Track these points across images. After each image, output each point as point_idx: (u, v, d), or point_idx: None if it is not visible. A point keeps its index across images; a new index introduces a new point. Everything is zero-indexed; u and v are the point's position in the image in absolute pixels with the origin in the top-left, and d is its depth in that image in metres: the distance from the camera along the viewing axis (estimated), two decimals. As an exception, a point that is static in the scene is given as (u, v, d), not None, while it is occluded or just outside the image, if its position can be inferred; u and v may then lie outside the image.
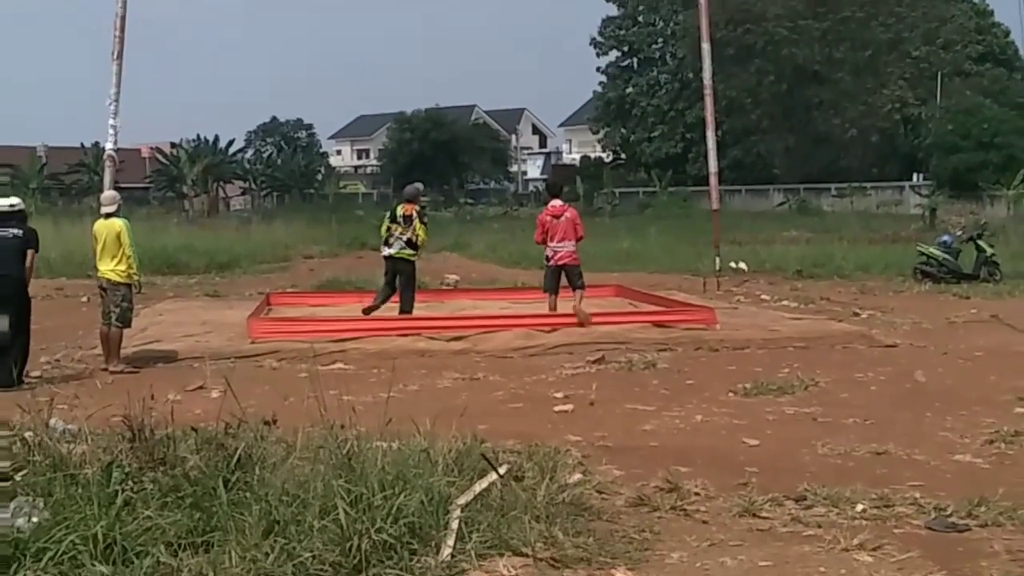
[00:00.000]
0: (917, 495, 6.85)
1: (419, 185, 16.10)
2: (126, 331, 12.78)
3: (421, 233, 15.04)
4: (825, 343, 14.08)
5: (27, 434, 6.17)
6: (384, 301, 15.33)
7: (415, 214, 15.08)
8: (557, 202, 15.71)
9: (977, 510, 6.48)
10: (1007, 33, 66.99)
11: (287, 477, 5.65)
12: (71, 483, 5.56)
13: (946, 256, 22.57)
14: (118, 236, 12.49)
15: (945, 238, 23.53)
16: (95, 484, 5.50)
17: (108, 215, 12.71)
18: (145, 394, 6.40)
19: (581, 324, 14.48)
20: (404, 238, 14.95)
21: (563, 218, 15.32)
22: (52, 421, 6.59)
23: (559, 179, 17.26)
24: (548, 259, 15.45)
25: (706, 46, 22.28)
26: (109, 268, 12.52)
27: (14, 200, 12.21)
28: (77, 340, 14.29)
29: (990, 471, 7.66)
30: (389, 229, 15.13)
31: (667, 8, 71.33)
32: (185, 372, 11.85)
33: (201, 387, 10.51)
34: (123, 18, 16.82)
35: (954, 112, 54.78)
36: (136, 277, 12.76)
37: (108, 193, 13.45)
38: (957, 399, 10.31)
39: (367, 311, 15.22)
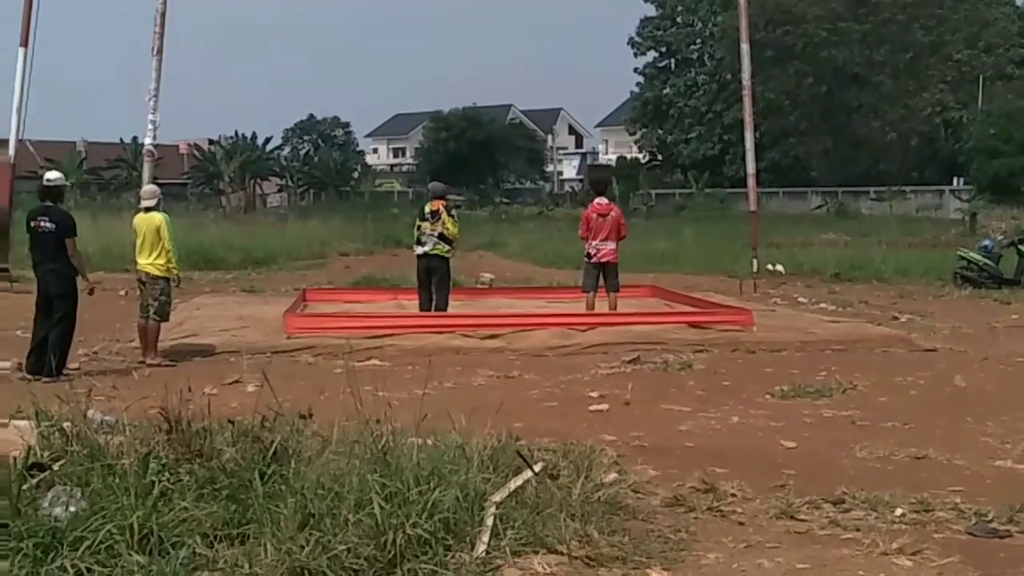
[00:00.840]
0: (957, 500, 6.77)
1: (439, 183, 16.18)
2: (164, 325, 12.86)
3: (450, 226, 15.03)
4: (863, 346, 13.95)
5: (65, 424, 6.20)
6: (429, 303, 15.31)
7: (442, 208, 15.10)
8: (603, 200, 15.65)
9: (1019, 516, 6.40)
10: (1050, 37, 66.28)
11: (323, 471, 5.65)
12: (108, 473, 5.59)
13: (987, 261, 22.34)
14: (157, 230, 12.56)
15: (986, 243, 23.30)
16: (132, 475, 5.51)
17: (148, 209, 12.78)
18: (182, 387, 6.42)
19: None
20: (435, 234, 14.97)
21: (609, 217, 15.26)
22: (90, 412, 6.61)
23: (605, 176, 17.27)
24: (589, 256, 15.39)
25: (745, 47, 22.17)
26: (148, 262, 12.60)
27: (51, 175, 12.28)
28: (115, 333, 14.39)
29: (1031, 477, 7.55)
30: (419, 227, 15.17)
31: (706, 9, 71.14)
32: (222, 366, 11.92)
33: (237, 381, 10.56)
34: (163, 14, 16.94)
35: (996, 116, 54.23)
36: (175, 271, 12.83)
37: (148, 187, 13.53)
38: (998, 404, 10.19)
39: None
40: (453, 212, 15.51)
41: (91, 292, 11.87)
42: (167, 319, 12.95)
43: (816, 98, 63.37)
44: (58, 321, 11.46)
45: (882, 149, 62.80)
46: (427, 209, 15.20)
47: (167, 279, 12.72)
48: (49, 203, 11.91)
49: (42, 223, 11.70)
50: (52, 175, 12.35)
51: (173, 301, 13.49)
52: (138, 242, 12.75)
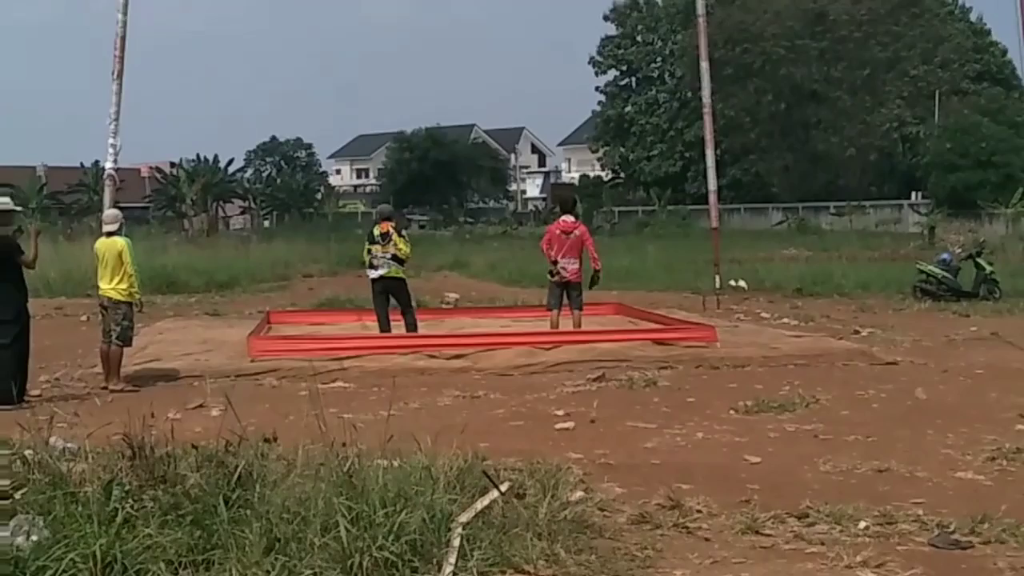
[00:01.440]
0: (920, 512, 6.84)
1: (387, 205, 16.20)
2: (126, 350, 12.76)
3: (402, 246, 15.01)
4: (826, 361, 14.05)
5: (27, 452, 6.16)
6: (388, 324, 15.28)
7: (391, 230, 15.08)
8: (569, 218, 15.68)
9: (980, 527, 6.47)
10: (1004, 52, 67.19)
11: (288, 494, 5.63)
12: (71, 501, 5.55)
13: (945, 274, 22.56)
14: (119, 255, 12.48)
15: (944, 256, 23.53)
16: (95, 502, 5.48)
17: (110, 234, 12.69)
18: (145, 412, 6.39)
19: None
20: (388, 255, 14.93)
21: (573, 235, 15.29)
22: (52, 439, 6.57)
23: (570, 195, 17.26)
24: (552, 275, 15.41)
25: (705, 65, 22.35)
26: (110, 287, 12.51)
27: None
28: (77, 359, 14.27)
29: (992, 488, 7.64)
30: (371, 251, 15.06)
31: (665, 28, 71.66)
32: (185, 390, 11.83)
33: (201, 405, 10.49)
34: (123, 38, 16.83)
35: (952, 131, 54.90)
36: (137, 296, 12.75)
37: (110, 212, 13.44)
38: (958, 416, 10.29)
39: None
40: (404, 232, 15.52)
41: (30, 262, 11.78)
42: (130, 344, 12.85)
43: (775, 115, 63.90)
44: (9, 346, 11.32)
45: (841, 164, 63.37)
46: (376, 232, 15.12)
47: (130, 304, 12.63)
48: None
49: None
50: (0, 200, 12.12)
51: (136, 326, 13.39)
52: (100, 267, 12.65)
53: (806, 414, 10.53)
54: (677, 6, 69.57)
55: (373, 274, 15.07)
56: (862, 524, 6.56)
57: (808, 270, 28.08)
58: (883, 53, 62.11)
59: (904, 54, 62.38)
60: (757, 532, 6.48)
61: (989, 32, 69.75)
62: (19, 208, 12.07)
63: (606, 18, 74.97)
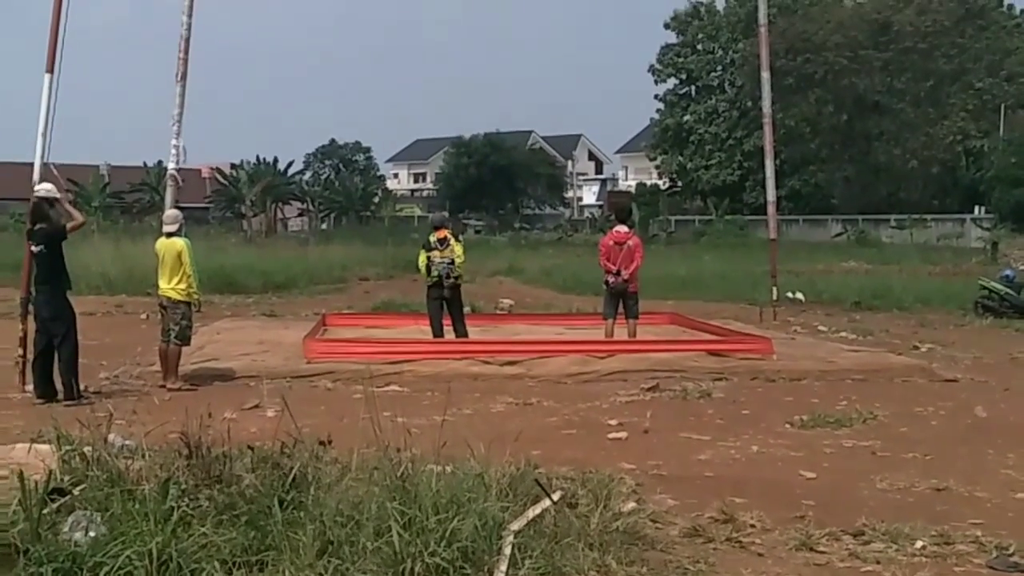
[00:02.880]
0: (978, 533, 6.73)
1: (444, 213, 16.21)
2: (184, 349, 12.90)
3: (459, 251, 15.07)
4: (884, 376, 13.89)
5: (86, 449, 6.23)
6: (443, 330, 15.31)
7: (449, 236, 15.12)
8: (623, 228, 15.64)
9: (1040, 550, 6.35)
10: (1072, 65, 66.08)
11: (341, 498, 5.66)
12: (128, 498, 5.61)
13: (1008, 290, 22.23)
14: (179, 255, 12.62)
15: (1007, 272, 23.19)
16: (152, 500, 5.53)
17: (170, 234, 12.83)
18: (202, 412, 6.44)
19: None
20: (447, 261, 14.96)
21: (625, 246, 15.25)
22: (111, 436, 6.64)
23: (626, 203, 17.16)
24: (607, 284, 15.40)
25: (766, 75, 22.18)
26: (169, 286, 12.65)
27: (39, 187, 12.06)
28: (136, 357, 14.47)
29: (1054, 510, 7.50)
30: (429, 258, 15.07)
31: (726, 36, 71.18)
32: (241, 391, 11.95)
33: (257, 406, 10.59)
34: (187, 40, 17.03)
35: (1017, 145, 54.10)
36: (196, 296, 12.88)
37: (170, 212, 13.58)
38: (1019, 436, 10.12)
39: None
40: (460, 238, 15.56)
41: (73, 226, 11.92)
42: (188, 343, 13.00)
43: (837, 126, 63.27)
44: (59, 345, 11.47)
45: (903, 177, 62.63)
46: (433, 239, 15.14)
47: (188, 304, 12.77)
48: (42, 224, 11.82)
49: (32, 248, 11.71)
50: (41, 187, 12.13)
51: (194, 325, 13.54)
52: (160, 267, 12.80)
53: (863, 430, 10.41)
54: (738, 15, 69.16)
55: (433, 280, 15.09)
56: (919, 544, 6.46)
57: (867, 283, 27.81)
58: (948, 65, 61.34)
59: (969, 66, 61.57)
60: (811, 549, 6.41)
61: (1057, 45, 68.70)
62: (58, 196, 12.15)
63: (667, 26, 74.69)
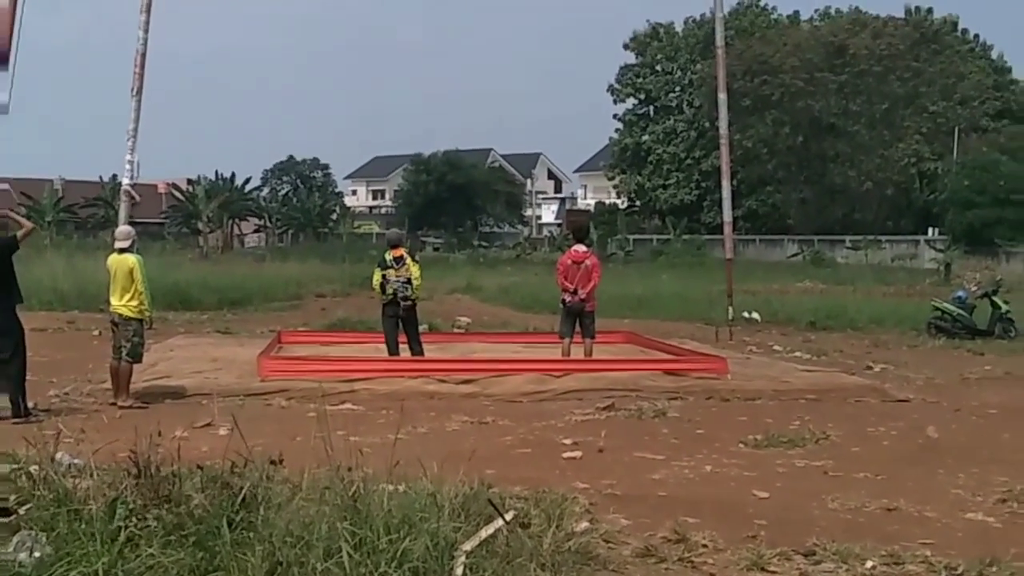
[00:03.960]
0: (928, 553, 6.78)
1: (399, 230, 16.16)
2: (136, 366, 12.76)
3: (415, 270, 15.03)
4: (837, 396, 13.98)
5: (32, 468, 6.14)
6: (398, 348, 15.29)
7: (404, 255, 15.09)
8: (581, 247, 15.67)
9: (988, 570, 6.41)
10: (1025, 90, 67.22)
11: (292, 518, 5.60)
12: (75, 518, 5.54)
13: (961, 311, 22.47)
14: (130, 272, 12.47)
15: (960, 293, 23.43)
16: (99, 520, 5.46)
17: (122, 250, 12.69)
18: (152, 430, 6.37)
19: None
20: (403, 280, 14.91)
21: (583, 265, 15.27)
22: (58, 455, 6.55)
23: (584, 222, 17.15)
24: (564, 302, 15.42)
25: (723, 96, 22.38)
26: (121, 303, 12.50)
27: None
28: (87, 374, 14.30)
29: (1002, 530, 7.58)
30: (384, 276, 15.02)
31: (685, 58, 71.81)
32: (194, 409, 11.83)
33: (209, 424, 10.48)
34: (143, 55, 16.96)
35: (970, 168, 54.84)
36: (148, 313, 12.74)
37: (123, 228, 13.45)
38: (969, 456, 10.21)
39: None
40: (416, 257, 15.55)
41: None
42: (140, 361, 12.85)
43: (793, 147, 63.89)
44: (7, 362, 11.32)
45: (858, 198, 63.31)
46: (389, 257, 15.10)
47: (140, 321, 12.63)
48: None
49: None
50: None
51: (147, 343, 13.40)
52: (111, 283, 12.66)
53: (816, 450, 10.47)
54: (697, 36, 69.84)
55: (388, 298, 15.04)
56: (869, 564, 6.50)
57: (822, 303, 28.02)
58: (902, 88, 62.12)
59: (923, 90, 62.38)
60: (763, 569, 6.43)
61: (1010, 70, 69.88)
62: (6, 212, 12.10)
63: (626, 47, 75.25)
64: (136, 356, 12.62)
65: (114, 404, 12.18)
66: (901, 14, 66.61)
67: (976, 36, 71.07)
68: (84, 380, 13.85)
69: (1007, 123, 64.18)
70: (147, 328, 12.97)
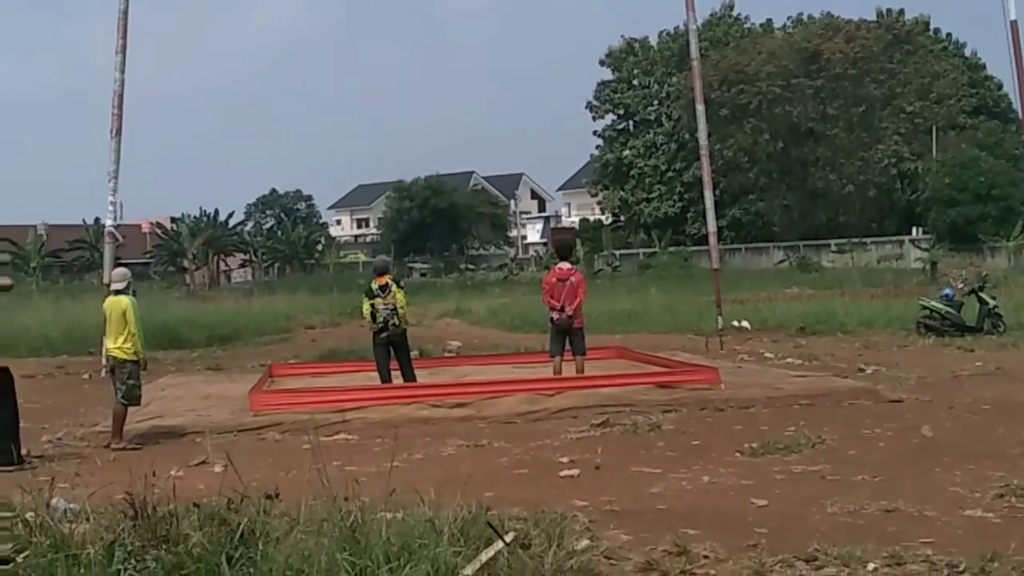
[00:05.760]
0: (929, 552, 6.78)
1: (385, 257, 16.16)
2: (131, 408, 12.70)
3: (400, 297, 15.03)
4: (831, 400, 14.00)
5: (28, 515, 6.12)
6: (390, 376, 15.30)
7: (390, 282, 15.09)
8: (565, 265, 15.68)
9: (990, 566, 6.41)
10: (1000, 86, 67.74)
11: (291, 551, 5.59)
12: (73, 564, 5.51)
13: (949, 309, 22.54)
14: (124, 313, 12.47)
15: (947, 291, 23.51)
16: (97, 564, 5.44)
17: (117, 292, 12.70)
18: (147, 471, 6.35)
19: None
20: (390, 308, 14.92)
21: (568, 282, 15.28)
22: (54, 501, 6.53)
23: (569, 240, 17.15)
24: (552, 321, 15.43)
25: (700, 107, 22.49)
26: (116, 346, 12.48)
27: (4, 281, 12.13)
28: (79, 418, 14.23)
29: (1001, 526, 7.58)
30: (373, 305, 15.03)
31: (661, 71, 72.13)
32: (188, 447, 11.78)
33: (204, 462, 10.44)
34: (121, 95, 16.99)
35: (950, 166, 55.14)
36: (141, 355, 12.71)
37: (119, 271, 13.45)
38: (965, 453, 10.23)
39: None
40: (402, 284, 15.58)
41: None
42: (136, 403, 12.77)
43: (773, 154, 64.17)
44: (2, 405, 11.26)
45: (841, 202, 63.59)
46: (375, 286, 15.11)
47: (136, 362, 12.58)
48: None
49: None
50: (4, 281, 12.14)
51: (157, 382, 13.35)
52: (107, 325, 12.66)
53: (812, 455, 10.48)
54: (672, 49, 70.19)
55: (378, 326, 15.04)
56: (871, 566, 6.50)
57: (811, 309, 28.08)
58: (878, 90, 62.50)
59: (899, 90, 62.75)
60: (765, 577, 6.43)
61: (984, 67, 70.40)
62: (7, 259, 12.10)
63: (602, 63, 75.55)
64: (132, 398, 12.56)
65: (107, 446, 12.12)
66: (873, 17, 67.11)
67: (949, 35, 71.74)
68: (77, 424, 13.77)
69: (984, 119, 64.66)
70: (141, 370, 12.92)
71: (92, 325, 18.18)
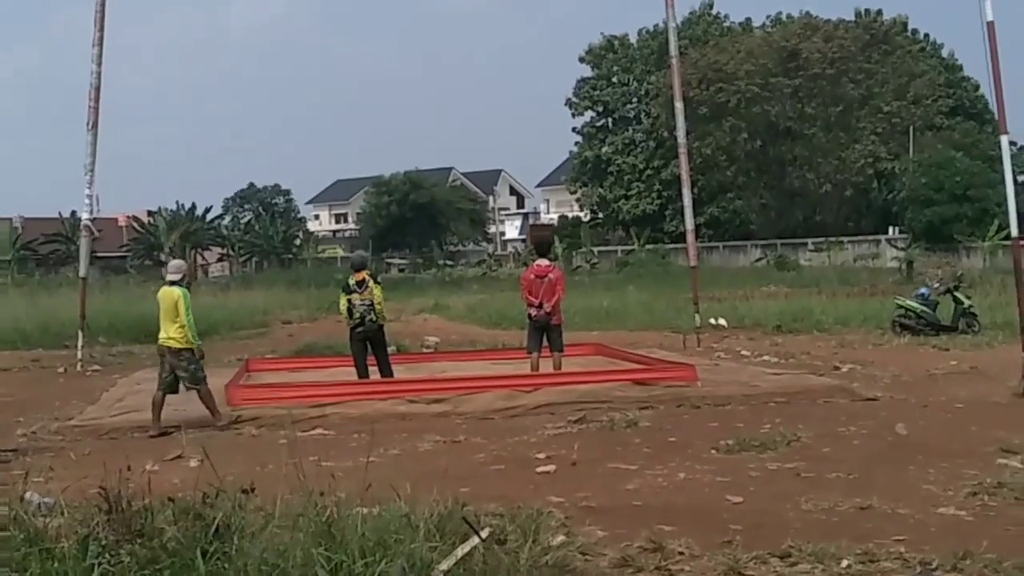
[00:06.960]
0: (902, 549, 6.82)
1: (363, 252, 16.16)
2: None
3: (377, 293, 15.02)
4: (806, 397, 14.07)
5: (2, 508, 6.08)
6: (367, 372, 15.29)
7: (367, 278, 15.08)
8: (543, 261, 15.69)
9: (962, 563, 6.45)
10: (977, 87, 67.95)
11: (266, 546, 5.57)
12: (47, 557, 5.49)
13: (924, 308, 22.66)
14: (176, 304, 12.61)
15: (923, 290, 23.62)
16: (71, 558, 5.42)
17: (172, 283, 12.79)
18: (122, 465, 6.32)
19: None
20: (367, 303, 14.90)
21: (547, 279, 15.29)
22: (28, 494, 6.50)
23: (547, 236, 17.18)
24: (530, 317, 15.44)
25: (679, 105, 22.53)
26: (168, 335, 12.76)
27: None
28: (54, 411, 14.17)
29: (974, 523, 7.64)
30: (350, 301, 15.01)
31: (640, 68, 72.18)
32: (163, 441, 11.76)
33: (179, 456, 10.42)
34: (98, 88, 16.89)
35: (927, 166, 55.36)
36: (195, 343, 12.87)
37: (175, 262, 13.77)
38: (939, 451, 10.30)
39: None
40: (379, 279, 15.57)
41: None
42: (204, 383, 12.96)
43: (751, 153, 64.33)
44: None
45: (818, 201, 63.80)
46: (352, 281, 15.09)
47: (190, 349, 12.81)
48: None
49: None
50: None
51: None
52: (161, 315, 12.82)
53: (787, 452, 10.52)
54: (651, 47, 70.24)
55: (355, 322, 15.01)
56: (844, 563, 6.54)
57: (787, 307, 28.18)
58: (856, 90, 62.66)
59: (877, 90, 62.94)
60: (740, 573, 6.45)
61: (961, 68, 70.68)
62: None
63: (581, 60, 75.53)
64: (198, 380, 12.84)
65: (151, 436, 12.23)
66: (851, 17, 67.29)
67: (926, 35, 72.01)
68: (51, 418, 13.71)
69: (960, 120, 65.00)
70: (198, 357, 12.97)
71: (68, 319, 18.06)
